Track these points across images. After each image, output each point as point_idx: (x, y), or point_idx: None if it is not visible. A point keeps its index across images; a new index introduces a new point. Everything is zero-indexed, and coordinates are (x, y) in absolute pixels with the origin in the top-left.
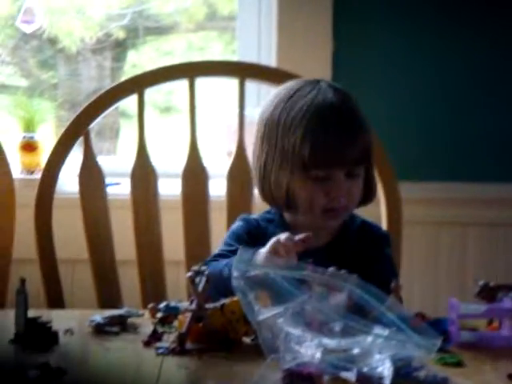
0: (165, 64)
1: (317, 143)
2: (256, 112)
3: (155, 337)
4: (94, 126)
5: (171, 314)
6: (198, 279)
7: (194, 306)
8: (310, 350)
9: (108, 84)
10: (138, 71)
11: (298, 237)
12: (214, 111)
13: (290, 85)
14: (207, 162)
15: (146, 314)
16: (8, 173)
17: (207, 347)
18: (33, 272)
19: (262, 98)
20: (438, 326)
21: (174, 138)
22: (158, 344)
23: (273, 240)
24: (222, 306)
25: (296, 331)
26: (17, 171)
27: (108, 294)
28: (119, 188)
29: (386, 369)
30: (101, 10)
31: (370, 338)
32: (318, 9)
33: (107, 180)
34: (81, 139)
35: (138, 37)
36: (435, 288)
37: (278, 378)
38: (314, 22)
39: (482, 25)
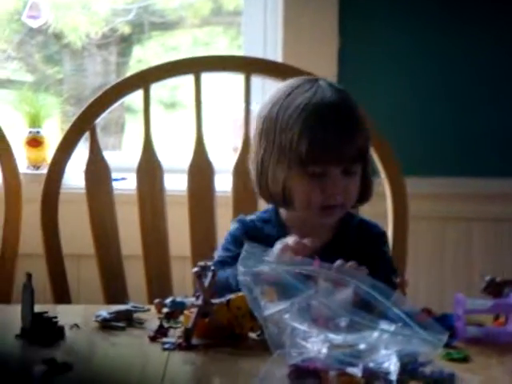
0: (170, 59)
1: (314, 139)
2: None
3: (161, 332)
4: (99, 121)
5: (177, 309)
6: (204, 274)
7: (200, 302)
8: (316, 345)
9: (113, 79)
10: (144, 66)
11: (305, 240)
12: (219, 106)
13: (289, 83)
14: (213, 157)
15: (152, 309)
16: (14, 168)
17: (213, 342)
18: (39, 267)
19: (268, 93)
20: (444, 322)
21: (179, 133)
22: (164, 339)
23: (280, 244)
24: (228, 301)
25: (302, 326)
26: (23, 166)
27: (114, 289)
28: (125, 183)
29: (392, 364)
30: (106, 5)
31: (376, 334)
32: (324, 4)
33: (113, 175)
34: (87, 134)
35: (143, 32)
36: (441, 283)
37: (284, 374)
38: (320, 18)
39: (486, 21)
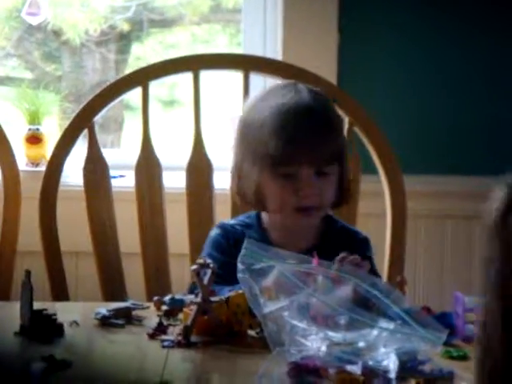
0: (169, 57)
1: (284, 139)
2: None
3: (160, 329)
4: (98, 118)
5: (176, 306)
6: (202, 272)
7: (199, 299)
8: (315, 343)
9: (112, 76)
10: (143, 64)
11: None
12: (218, 104)
13: (268, 87)
14: (211, 154)
15: (151, 306)
16: (13, 165)
17: (212, 340)
18: (38, 264)
19: None
20: (443, 320)
21: (178, 131)
22: (163, 337)
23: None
24: (228, 298)
25: (301, 324)
26: (22, 163)
27: (112, 286)
28: (124, 181)
29: (391, 362)
30: (105, 2)
31: (375, 332)
32: (324, 2)
33: (112, 172)
34: (85, 132)
35: (142, 29)
36: (440, 282)
37: (284, 371)
38: (320, 15)
39: (484, 21)
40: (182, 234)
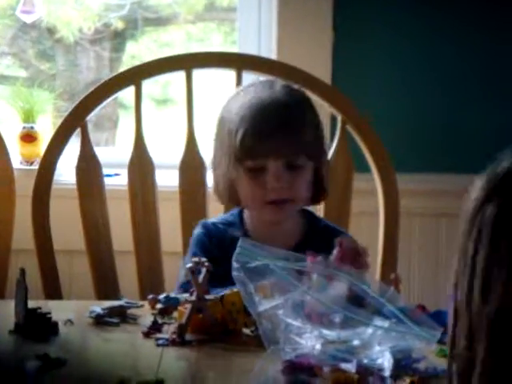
0: (163, 55)
1: (250, 133)
2: None
3: (155, 328)
4: (92, 116)
5: (171, 305)
6: (197, 270)
7: (193, 298)
8: (310, 341)
9: (107, 75)
10: (137, 62)
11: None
12: (211, 103)
13: (245, 84)
14: (204, 153)
15: (146, 305)
16: (8, 163)
17: (207, 338)
18: (32, 262)
19: None
20: (437, 318)
21: (171, 129)
22: (158, 335)
23: None
24: (222, 297)
25: (296, 322)
26: (16, 162)
27: (105, 284)
28: (117, 179)
29: (385, 360)
30: (99, 0)
31: (370, 330)
32: (319, 0)
33: (106, 171)
34: (78, 130)
35: (136, 27)
36: (435, 280)
37: (278, 369)
38: (315, 14)
39: (479, 20)
40: (175, 232)
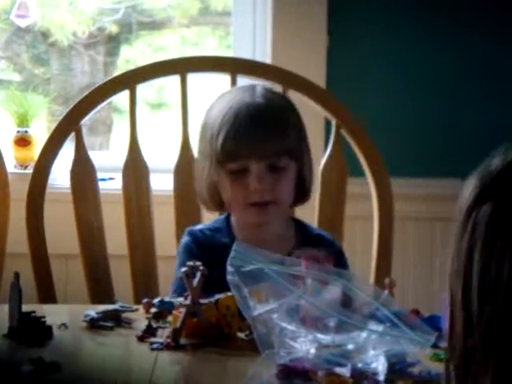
0: (158, 59)
1: (228, 135)
2: None
3: (149, 332)
4: (86, 120)
5: (165, 309)
6: (192, 274)
7: (188, 302)
8: (304, 345)
9: (101, 79)
10: (132, 66)
11: None
12: (205, 107)
13: (228, 90)
14: None
15: (140, 309)
16: (2, 167)
17: (202, 342)
18: (26, 266)
19: None
20: (432, 322)
21: (165, 133)
22: (152, 339)
23: None
24: (217, 301)
25: (291, 326)
26: (11, 166)
27: (100, 288)
28: (111, 183)
29: (380, 364)
30: (93, 4)
31: (364, 334)
32: (313, 4)
33: (101, 175)
34: (73, 134)
35: (131, 31)
36: (429, 284)
37: (273, 374)
38: (309, 17)
39: (476, 21)
40: (169, 236)
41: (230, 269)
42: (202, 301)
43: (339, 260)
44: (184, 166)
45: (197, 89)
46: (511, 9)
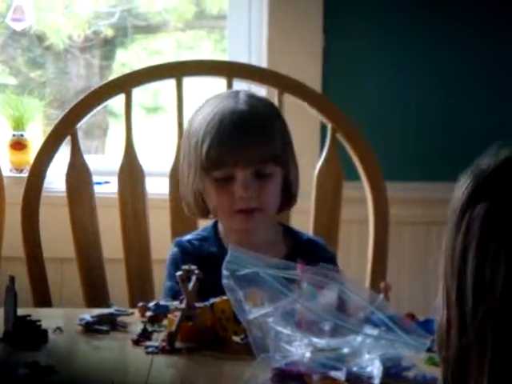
0: (153, 63)
1: (213, 143)
2: None
3: (145, 336)
4: (82, 124)
5: (161, 312)
6: (187, 278)
7: (183, 305)
8: (299, 349)
9: (97, 82)
10: (127, 70)
11: None
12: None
13: (212, 95)
14: None
15: (136, 312)
16: None
17: (197, 346)
18: (22, 270)
19: None
20: (427, 326)
21: (161, 137)
22: (148, 343)
23: None
24: (212, 304)
25: (286, 330)
26: (6, 169)
27: (96, 292)
28: (107, 187)
29: (375, 368)
30: (89, 8)
31: (359, 338)
32: (309, 7)
33: (96, 179)
34: (68, 138)
35: (126, 35)
36: (425, 288)
37: (268, 377)
38: (305, 21)
39: (474, 21)
40: (165, 239)
41: (225, 273)
42: (198, 304)
43: (332, 265)
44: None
45: (192, 93)
46: (510, 7)
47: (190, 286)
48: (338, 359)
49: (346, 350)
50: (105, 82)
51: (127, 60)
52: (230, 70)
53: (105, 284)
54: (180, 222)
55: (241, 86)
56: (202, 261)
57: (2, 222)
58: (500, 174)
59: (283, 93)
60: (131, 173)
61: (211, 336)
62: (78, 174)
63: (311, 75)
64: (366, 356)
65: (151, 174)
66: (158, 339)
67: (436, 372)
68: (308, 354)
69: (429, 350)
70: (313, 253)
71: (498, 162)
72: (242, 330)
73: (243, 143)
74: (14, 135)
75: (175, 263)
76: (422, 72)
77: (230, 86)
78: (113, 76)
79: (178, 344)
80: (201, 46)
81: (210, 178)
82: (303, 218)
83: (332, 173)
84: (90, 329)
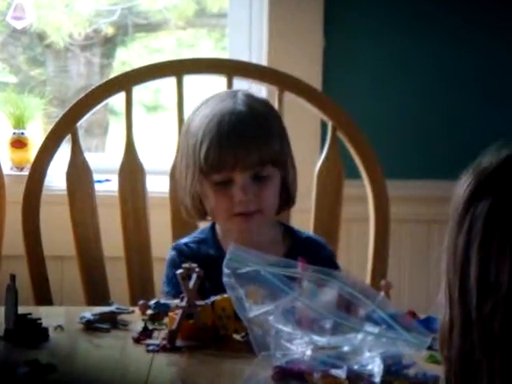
0: (154, 61)
1: (211, 146)
2: None
3: (145, 334)
4: (82, 122)
5: (161, 311)
6: (188, 276)
7: (184, 303)
8: (300, 347)
9: (97, 81)
10: (128, 68)
11: None
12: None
13: (210, 96)
14: None
15: (137, 311)
16: None
17: (197, 344)
18: (22, 268)
19: None
20: (428, 324)
21: (161, 135)
22: (149, 341)
23: None
24: (213, 302)
25: (287, 328)
26: (7, 167)
27: (96, 290)
28: (107, 185)
29: (376, 366)
30: (89, 6)
31: (360, 336)
32: (309, 6)
33: (97, 177)
34: (69, 136)
35: (127, 33)
36: (426, 286)
37: (269, 375)
38: (305, 20)
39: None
40: (165, 238)
41: (226, 271)
42: (198, 303)
43: (331, 264)
44: None
45: (193, 91)
46: (511, 7)
47: (191, 284)
48: (339, 357)
49: (346, 348)
50: (105, 80)
51: (128, 58)
52: (230, 68)
53: (105, 282)
54: (180, 221)
55: (241, 84)
56: (200, 263)
57: (3, 220)
58: (502, 172)
59: (283, 91)
60: (132, 171)
61: (212, 334)
62: (79, 173)
63: (311, 73)
64: (367, 354)
65: (152, 173)
66: (159, 337)
67: (437, 370)
68: (309, 352)
69: (430, 347)
70: (312, 251)
71: (499, 159)
72: (242, 328)
73: (242, 146)
74: (14, 133)
75: (173, 266)
76: (422, 71)
77: (230, 84)
78: (113, 74)
79: (178, 342)
80: (201, 44)
81: (208, 180)
82: (304, 217)
83: (333, 171)
84: (90, 327)
